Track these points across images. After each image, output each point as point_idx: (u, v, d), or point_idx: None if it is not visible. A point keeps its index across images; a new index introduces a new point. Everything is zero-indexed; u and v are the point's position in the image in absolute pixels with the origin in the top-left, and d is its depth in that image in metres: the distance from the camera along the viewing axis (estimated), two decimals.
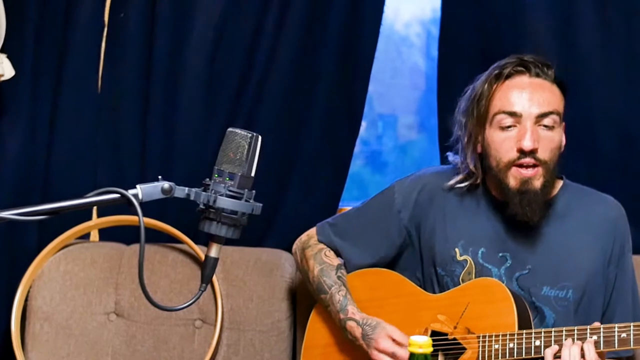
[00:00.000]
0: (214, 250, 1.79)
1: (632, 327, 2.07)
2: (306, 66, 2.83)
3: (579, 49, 2.80)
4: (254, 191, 1.77)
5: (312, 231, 2.54)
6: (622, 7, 2.79)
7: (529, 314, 2.23)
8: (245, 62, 2.80)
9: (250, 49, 2.80)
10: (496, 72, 2.27)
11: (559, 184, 2.37)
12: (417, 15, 3.21)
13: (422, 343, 1.61)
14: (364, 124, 3.25)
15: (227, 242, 1.80)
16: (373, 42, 2.84)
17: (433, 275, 2.38)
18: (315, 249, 2.49)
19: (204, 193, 1.73)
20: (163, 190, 1.71)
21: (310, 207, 2.87)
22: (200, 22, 2.80)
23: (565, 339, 2.11)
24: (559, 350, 2.10)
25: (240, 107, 2.82)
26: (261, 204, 1.78)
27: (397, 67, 3.35)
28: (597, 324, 2.10)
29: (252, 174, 1.76)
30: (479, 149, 2.32)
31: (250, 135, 1.75)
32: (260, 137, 1.76)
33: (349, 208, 2.70)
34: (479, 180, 2.35)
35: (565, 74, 2.69)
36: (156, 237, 2.81)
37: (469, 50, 2.81)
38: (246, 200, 1.75)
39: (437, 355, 2.28)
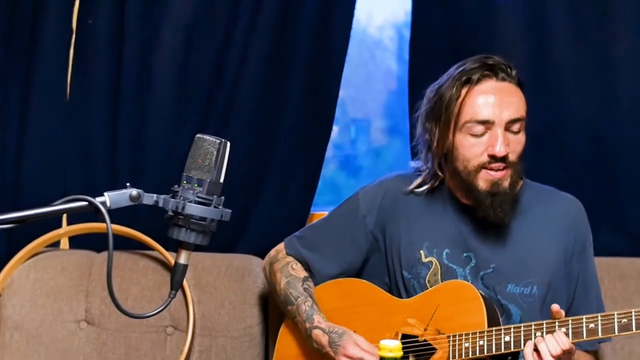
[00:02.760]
0: (183, 257, 1.79)
1: (599, 317, 2.11)
2: (277, 71, 2.83)
3: (551, 52, 2.83)
4: (223, 197, 1.76)
5: (281, 246, 2.55)
6: (593, 11, 2.82)
7: (498, 312, 2.25)
8: (215, 68, 2.80)
9: (220, 55, 2.80)
10: (464, 78, 2.26)
11: (520, 183, 2.39)
12: (390, 19, 3.22)
13: (393, 347, 1.62)
14: (336, 128, 3.27)
15: (197, 248, 1.80)
16: (344, 46, 2.85)
17: (400, 279, 2.39)
18: (283, 262, 2.49)
19: (172, 200, 1.73)
20: (131, 198, 1.71)
21: (282, 212, 2.88)
22: (170, 29, 2.79)
23: (535, 333, 2.14)
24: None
25: (211, 113, 2.82)
26: (230, 210, 1.77)
27: (370, 71, 3.36)
28: (560, 309, 2.13)
29: (221, 180, 1.76)
30: (444, 152, 2.33)
31: (218, 141, 1.75)
32: (228, 143, 1.75)
33: (322, 213, 2.71)
34: (438, 182, 2.37)
35: (537, 76, 2.74)
36: (127, 244, 2.80)
37: (440, 54, 2.82)
38: (215, 207, 1.75)
39: (408, 358, 2.28)
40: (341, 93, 3.00)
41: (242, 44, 2.78)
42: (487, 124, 2.24)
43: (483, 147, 2.24)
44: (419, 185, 2.40)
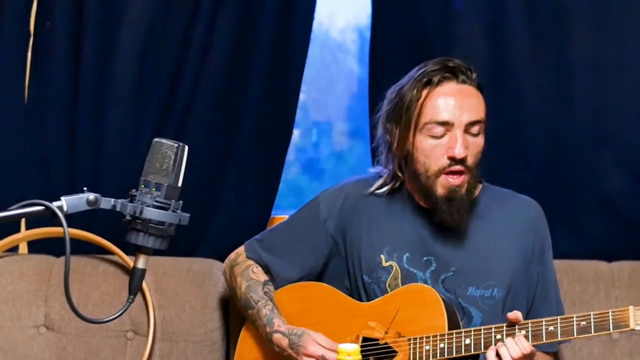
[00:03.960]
0: (141, 262, 1.77)
1: (559, 320, 2.13)
2: (236, 74, 2.82)
3: (509, 55, 2.85)
4: (181, 201, 1.76)
5: (241, 249, 2.54)
6: (550, 14, 2.84)
7: (458, 315, 2.27)
8: (174, 71, 2.79)
9: (179, 58, 2.79)
10: (425, 79, 2.28)
11: (479, 186, 2.41)
12: (352, 21, 3.23)
13: (351, 351, 1.63)
14: (297, 131, 3.27)
15: (157, 252, 1.79)
16: (304, 48, 2.85)
17: (360, 283, 2.39)
18: (243, 266, 2.48)
19: (130, 204, 1.72)
20: (88, 202, 1.70)
21: (243, 216, 2.87)
22: (128, 32, 2.77)
23: (495, 336, 2.15)
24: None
25: (170, 117, 2.80)
26: (188, 214, 1.77)
27: (332, 74, 3.36)
28: (518, 315, 2.14)
29: (179, 184, 1.75)
30: (404, 153, 2.34)
31: (176, 145, 1.74)
32: (186, 147, 1.75)
33: (282, 217, 2.71)
34: (398, 184, 2.38)
35: (495, 79, 2.76)
36: (87, 248, 2.78)
37: (400, 57, 2.83)
38: (173, 211, 1.74)
39: None
40: (303, 96, 3.00)
41: (201, 47, 2.77)
42: (447, 125, 2.25)
43: (443, 150, 2.25)
44: (380, 187, 2.41)
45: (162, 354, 2.69)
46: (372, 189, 2.42)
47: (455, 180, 2.25)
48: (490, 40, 2.84)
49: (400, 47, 2.86)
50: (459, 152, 2.23)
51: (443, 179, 2.26)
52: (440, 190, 2.27)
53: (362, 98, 2.98)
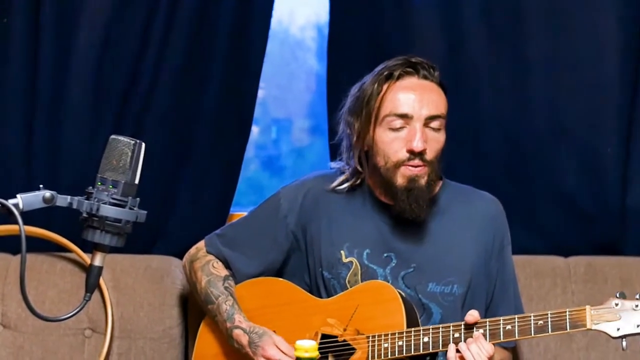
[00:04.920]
0: (98, 259, 1.77)
1: (516, 319, 2.14)
2: (194, 71, 2.81)
3: (466, 53, 2.87)
4: (138, 199, 1.75)
5: (201, 244, 2.54)
6: (508, 12, 2.86)
7: (417, 312, 2.28)
8: (132, 68, 2.77)
9: (137, 55, 2.76)
10: (385, 73, 2.30)
11: (439, 183, 2.43)
12: (312, 19, 3.22)
13: (308, 347, 1.63)
14: (257, 128, 3.26)
15: (115, 249, 1.78)
16: (262, 45, 2.85)
17: (320, 279, 2.40)
18: (204, 261, 2.48)
19: (86, 201, 1.71)
20: (44, 199, 1.69)
21: (201, 213, 2.86)
22: (86, 28, 2.75)
23: (453, 334, 2.16)
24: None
25: (128, 113, 2.79)
26: (145, 212, 1.76)
27: (292, 71, 3.36)
28: (475, 313, 2.15)
29: (136, 182, 1.75)
30: (365, 148, 2.35)
31: (133, 142, 1.73)
32: (143, 144, 1.74)
33: (241, 213, 2.71)
34: (360, 180, 2.39)
35: (453, 77, 2.77)
36: (44, 246, 2.76)
37: (358, 53, 2.84)
38: (130, 208, 1.73)
39: (327, 358, 2.29)
40: (263, 93, 3.00)
41: (159, 44, 2.76)
42: (406, 118, 2.27)
43: (402, 143, 2.27)
44: (341, 184, 2.41)
45: (120, 351, 2.68)
46: (334, 185, 2.42)
47: (414, 170, 2.27)
48: (447, 38, 2.86)
49: (358, 44, 2.87)
50: (417, 145, 2.24)
51: (403, 169, 2.27)
52: (400, 180, 2.28)
53: (322, 95, 2.98)
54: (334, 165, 2.46)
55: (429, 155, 2.27)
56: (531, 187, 2.90)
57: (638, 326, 2.07)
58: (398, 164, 2.27)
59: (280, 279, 2.46)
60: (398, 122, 2.27)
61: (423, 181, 2.28)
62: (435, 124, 2.29)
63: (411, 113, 2.26)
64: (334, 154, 2.51)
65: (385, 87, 2.29)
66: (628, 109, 2.87)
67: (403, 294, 2.28)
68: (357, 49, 2.86)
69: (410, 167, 2.27)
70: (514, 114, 2.89)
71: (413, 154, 2.26)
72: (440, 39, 2.85)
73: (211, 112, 2.84)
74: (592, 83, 2.87)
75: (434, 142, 2.29)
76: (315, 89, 3.23)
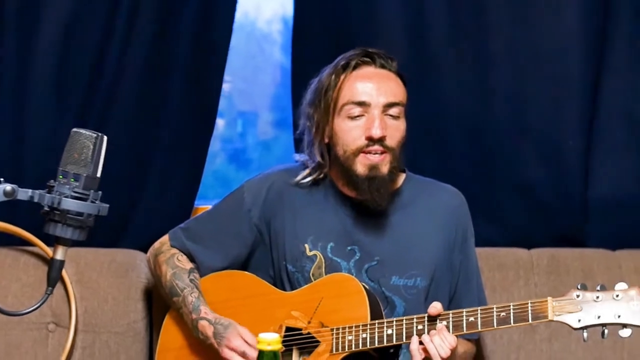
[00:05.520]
0: (60, 253, 1.77)
1: (479, 311, 2.16)
2: (159, 64, 2.79)
3: (429, 46, 2.88)
4: (100, 192, 1.76)
5: (165, 238, 2.53)
6: (470, 6, 2.88)
7: (380, 305, 2.28)
8: (96, 62, 2.75)
9: (100, 48, 2.74)
10: (342, 63, 2.33)
11: (402, 176, 2.44)
12: (279, 12, 3.22)
13: (271, 340, 1.62)
14: (222, 121, 3.26)
15: (79, 243, 1.78)
16: (226, 38, 2.84)
17: (284, 273, 2.40)
18: (168, 254, 2.48)
19: (48, 195, 1.71)
20: (5, 193, 1.69)
21: (166, 206, 2.85)
22: (49, 22, 2.72)
23: (416, 326, 2.18)
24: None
25: (92, 107, 2.76)
26: (107, 205, 1.76)
27: (258, 64, 3.36)
28: (438, 306, 2.17)
29: (98, 175, 1.75)
30: (326, 140, 2.36)
31: (95, 135, 1.74)
32: (105, 137, 1.74)
33: (206, 207, 2.71)
34: (325, 172, 2.40)
35: (416, 71, 2.79)
36: (7, 240, 2.74)
37: (322, 47, 2.84)
38: (92, 202, 1.73)
39: (292, 351, 2.30)
40: (229, 86, 2.99)
41: (122, 36, 2.73)
42: (364, 105, 2.29)
43: (361, 131, 2.28)
44: (304, 177, 2.42)
45: (85, 345, 2.67)
46: (297, 179, 2.42)
47: (375, 157, 2.28)
48: (411, 31, 2.86)
49: (322, 37, 2.87)
50: (375, 132, 2.26)
51: (362, 157, 2.29)
52: (360, 168, 2.29)
53: (288, 88, 2.98)
54: (298, 157, 2.46)
55: (389, 142, 2.29)
56: (494, 180, 2.92)
57: (599, 317, 2.09)
58: (357, 152, 2.29)
59: (245, 272, 2.46)
60: (356, 110, 2.29)
61: (385, 169, 2.30)
62: (393, 111, 2.30)
63: (369, 101, 2.28)
64: (299, 147, 2.52)
65: (342, 77, 2.31)
66: (590, 102, 2.90)
67: (367, 286, 2.29)
68: (322, 42, 2.86)
69: (369, 156, 2.28)
70: (477, 107, 2.90)
71: (372, 140, 2.27)
72: (404, 32, 2.86)
73: (175, 106, 2.82)
74: (554, 76, 2.89)
75: (393, 129, 2.30)
76: (281, 82, 3.22)
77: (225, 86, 2.95)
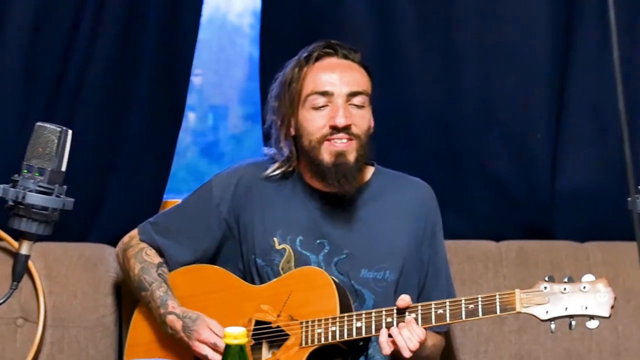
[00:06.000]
0: (25, 248, 1.77)
1: (447, 303, 2.16)
2: (127, 58, 2.77)
3: (397, 39, 2.87)
4: (65, 186, 1.75)
5: (134, 232, 2.53)
6: None
7: (350, 298, 2.29)
8: (63, 56, 2.72)
9: (68, 41, 2.72)
10: (305, 55, 2.34)
11: (371, 170, 2.44)
12: (249, 5, 3.20)
13: (237, 334, 1.62)
14: (194, 115, 3.25)
15: (46, 238, 1.78)
16: (194, 31, 2.81)
17: (253, 267, 2.40)
18: (137, 249, 2.47)
19: (12, 189, 1.71)
20: None
21: (135, 200, 2.82)
22: (15, 17, 2.69)
23: (386, 319, 2.18)
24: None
25: (60, 100, 2.74)
26: (73, 199, 1.76)
27: (230, 57, 3.35)
28: (407, 298, 2.17)
29: (63, 169, 1.75)
30: (292, 132, 2.37)
31: (59, 129, 1.74)
32: (70, 131, 1.74)
33: (175, 201, 2.70)
34: (293, 166, 2.40)
35: (384, 64, 2.79)
36: None
37: (290, 40, 2.82)
38: (57, 196, 1.73)
39: (261, 344, 2.30)
40: (200, 80, 2.98)
41: (89, 30, 2.71)
42: (328, 95, 2.30)
43: (325, 120, 2.30)
44: (273, 171, 2.42)
45: (53, 340, 2.65)
46: (266, 173, 2.42)
47: (340, 144, 2.29)
48: (378, 24, 2.86)
49: (290, 30, 2.86)
50: (339, 121, 2.27)
51: (327, 145, 2.29)
52: (326, 156, 2.30)
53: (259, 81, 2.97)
54: (267, 151, 2.46)
55: (355, 130, 2.30)
56: (463, 173, 2.92)
57: (566, 309, 2.10)
58: (322, 140, 2.29)
59: (214, 266, 2.45)
60: (320, 101, 2.30)
61: (351, 157, 2.30)
62: (357, 100, 2.31)
63: (332, 90, 2.30)
64: (267, 141, 2.52)
65: (305, 69, 2.32)
66: (557, 95, 2.90)
67: (336, 280, 2.29)
68: (290, 35, 2.85)
69: (335, 142, 2.29)
70: (445, 99, 2.90)
71: (336, 129, 2.28)
72: (371, 25, 2.86)
73: (144, 99, 2.80)
74: (522, 68, 2.89)
75: (358, 118, 2.31)
76: (252, 76, 3.21)
77: (196, 80, 2.95)
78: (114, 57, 2.75)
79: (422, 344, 2.15)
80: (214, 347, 2.24)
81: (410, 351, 2.13)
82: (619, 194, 1.60)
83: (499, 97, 2.91)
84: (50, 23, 2.72)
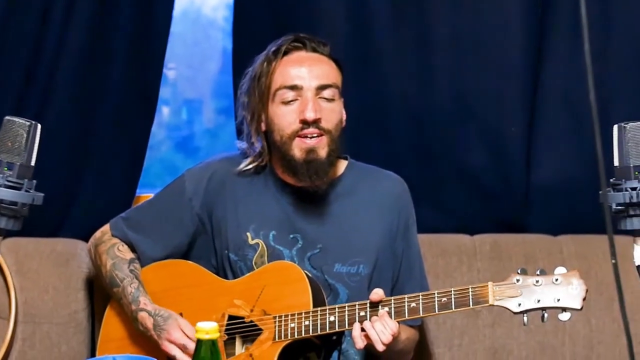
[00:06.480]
0: None
1: (420, 296, 2.16)
2: (97, 51, 2.75)
3: (371, 33, 2.86)
4: (34, 181, 1.74)
5: (106, 227, 2.51)
6: None
7: (323, 293, 2.29)
8: (33, 49, 2.70)
9: (38, 35, 2.69)
10: (273, 49, 2.34)
11: (344, 163, 2.44)
12: None
13: (209, 329, 1.61)
14: (167, 109, 3.23)
15: (19, 233, 1.77)
16: (166, 25, 2.80)
17: (226, 262, 2.39)
18: (109, 244, 2.46)
19: None
20: None
21: (107, 195, 2.81)
22: None
23: (359, 313, 2.18)
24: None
25: (29, 95, 2.72)
26: (42, 194, 1.75)
27: (204, 51, 3.34)
28: (380, 292, 2.17)
29: (32, 164, 1.74)
30: (263, 128, 2.36)
31: (28, 123, 1.72)
32: (39, 126, 1.73)
33: (147, 195, 2.69)
34: (265, 161, 2.39)
35: (359, 58, 2.79)
36: None
37: (264, 34, 2.81)
38: (26, 191, 1.72)
39: (235, 339, 2.29)
40: (174, 74, 2.97)
41: (60, 22, 2.68)
42: (297, 89, 2.29)
43: (295, 115, 2.29)
44: (246, 166, 2.41)
45: (25, 336, 2.63)
46: (239, 167, 2.41)
47: (311, 141, 2.28)
48: (353, 17, 2.85)
49: (264, 24, 2.85)
50: (309, 115, 2.26)
51: (298, 141, 2.29)
52: (297, 153, 2.29)
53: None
54: (240, 145, 2.45)
55: (325, 124, 2.29)
56: (437, 167, 2.92)
57: (538, 301, 2.10)
58: (292, 135, 2.29)
59: (187, 261, 2.44)
60: (290, 95, 2.30)
61: (322, 152, 2.30)
62: (327, 93, 2.31)
63: (301, 84, 2.29)
64: (240, 136, 2.51)
65: (274, 63, 2.32)
66: (532, 88, 2.91)
67: (309, 274, 2.29)
68: (263, 28, 2.84)
69: (306, 139, 2.28)
70: (419, 93, 2.90)
71: (306, 123, 2.27)
72: (346, 19, 2.85)
73: (116, 93, 2.79)
74: (496, 62, 2.89)
75: (328, 111, 2.31)
76: (227, 69, 3.20)
77: (170, 74, 2.93)
78: (85, 49, 2.73)
79: (396, 337, 2.15)
80: (183, 349, 2.23)
81: (384, 344, 2.13)
82: (592, 188, 1.60)
83: (473, 91, 2.91)
84: (20, 14, 2.70)
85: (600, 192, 1.58)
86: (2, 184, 1.69)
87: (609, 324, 2.79)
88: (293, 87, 2.30)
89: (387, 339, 2.13)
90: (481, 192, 2.94)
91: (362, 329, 2.16)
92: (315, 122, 2.27)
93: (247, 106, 2.37)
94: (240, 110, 2.41)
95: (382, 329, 2.13)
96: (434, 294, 2.16)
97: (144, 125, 2.84)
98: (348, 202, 2.40)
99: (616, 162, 1.83)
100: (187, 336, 2.23)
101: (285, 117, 2.30)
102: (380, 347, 2.13)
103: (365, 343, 2.16)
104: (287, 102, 2.30)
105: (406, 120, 2.91)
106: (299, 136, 2.29)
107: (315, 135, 2.28)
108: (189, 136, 3.38)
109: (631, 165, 1.81)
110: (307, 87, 2.29)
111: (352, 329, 2.18)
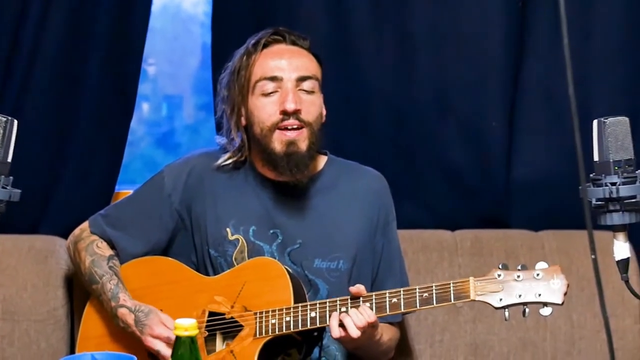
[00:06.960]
0: None
1: (402, 292, 2.16)
2: (75, 46, 2.74)
3: (352, 29, 2.86)
4: (11, 177, 1.73)
5: (85, 224, 2.50)
6: None
7: (304, 289, 2.28)
8: (9, 46, 2.68)
9: (15, 29, 2.68)
10: (253, 42, 2.34)
11: (324, 159, 2.44)
12: None
13: (188, 326, 1.60)
14: (147, 105, 3.22)
15: None
16: (144, 20, 2.78)
17: (207, 258, 2.38)
18: (88, 241, 2.44)
19: None
20: None
21: (86, 191, 2.80)
22: None
23: (340, 309, 2.17)
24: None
25: (7, 91, 2.70)
26: (20, 191, 1.73)
27: (184, 46, 3.33)
28: (361, 286, 2.17)
29: (9, 160, 1.73)
30: (244, 122, 2.36)
31: (5, 119, 1.71)
32: (15, 121, 1.71)
33: (126, 192, 2.67)
34: (245, 155, 2.39)
35: (338, 53, 2.78)
36: None
37: (242, 29, 2.80)
38: (3, 187, 1.70)
39: (215, 335, 2.28)
40: (154, 69, 2.95)
41: (38, 17, 2.67)
42: (277, 81, 2.29)
43: (275, 106, 2.29)
44: (225, 161, 2.40)
45: (3, 334, 2.62)
46: (218, 163, 2.40)
47: (291, 133, 2.28)
48: (332, 12, 2.85)
49: (243, 19, 2.84)
50: (289, 106, 2.26)
51: (279, 134, 2.28)
52: (277, 146, 2.29)
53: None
54: (219, 140, 2.44)
55: (305, 116, 2.29)
56: (417, 162, 2.92)
57: (520, 296, 2.10)
58: (272, 127, 2.28)
59: (166, 257, 2.43)
60: (269, 87, 2.30)
61: (303, 145, 2.29)
62: (307, 85, 2.31)
63: (281, 75, 2.29)
64: (220, 131, 2.50)
65: (254, 56, 2.32)
66: (512, 84, 2.91)
67: (290, 270, 2.28)
68: (242, 23, 2.83)
69: (286, 132, 2.28)
70: (399, 89, 2.89)
71: (287, 114, 2.27)
72: (326, 14, 2.85)
73: (94, 88, 2.77)
74: (476, 57, 2.89)
75: (308, 103, 2.31)
76: (207, 65, 3.19)
77: (150, 69, 2.92)
78: (63, 44, 2.72)
79: (373, 325, 2.14)
80: (168, 342, 2.22)
81: (358, 328, 2.11)
82: (573, 183, 1.60)
83: (453, 86, 2.91)
84: None
85: (580, 187, 1.58)
86: None
87: (590, 320, 2.79)
88: (273, 79, 2.29)
89: (361, 322, 2.11)
90: (462, 188, 2.94)
91: (341, 324, 2.15)
92: (296, 113, 2.27)
93: (227, 100, 2.36)
94: (220, 105, 2.40)
95: (356, 313, 2.13)
96: (416, 289, 2.15)
97: (123, 121, 2.83)
98: (328, 197, 2.40)
99: (596, 157, 1.83)
100: (170, 329, 2.22)
101: (265, 108, 2.29)
102: (354, 332, 2.11)
103: (341, 334, 2.14)
104: (267, 94, 2.30)
105: (386, 115, 2.90)
106: (279, 128, 2.28)
107: (295, 127, 2.28)
108: (169, 132, 3.37)
109: (611, 160, 1.80)
110: (287, 79, 2.29)
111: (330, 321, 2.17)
